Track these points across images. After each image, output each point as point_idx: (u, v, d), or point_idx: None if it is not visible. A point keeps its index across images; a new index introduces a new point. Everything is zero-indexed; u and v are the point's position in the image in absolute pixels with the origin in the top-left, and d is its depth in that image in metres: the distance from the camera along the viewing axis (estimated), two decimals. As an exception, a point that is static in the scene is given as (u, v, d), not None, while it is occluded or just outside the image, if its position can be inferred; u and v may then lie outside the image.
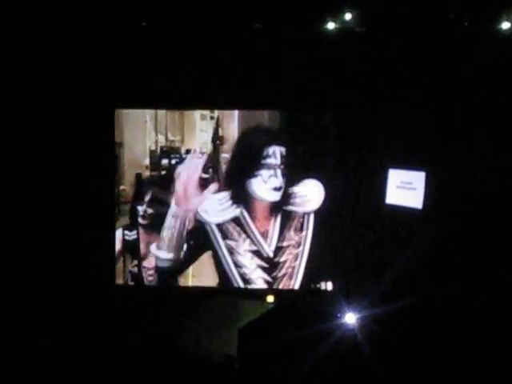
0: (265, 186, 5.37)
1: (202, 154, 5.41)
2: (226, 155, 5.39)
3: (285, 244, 5.48)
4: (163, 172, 5.44)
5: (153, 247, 5.49)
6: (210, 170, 5.41)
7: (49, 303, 5.33)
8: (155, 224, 5.45)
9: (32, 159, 5.38)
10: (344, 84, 5.28)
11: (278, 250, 5.47)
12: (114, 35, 5.18)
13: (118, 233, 5.52)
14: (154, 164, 5.43)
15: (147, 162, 5.44)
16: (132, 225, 5.50)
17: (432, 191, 5.19)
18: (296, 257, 5.49)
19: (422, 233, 5.20)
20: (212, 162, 5.39)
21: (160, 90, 5.32)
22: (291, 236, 5.47)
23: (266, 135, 5.33)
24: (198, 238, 5.45)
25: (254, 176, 5.36)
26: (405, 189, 5.29)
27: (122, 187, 5.48)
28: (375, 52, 5.16)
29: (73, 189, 5.39)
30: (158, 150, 5.43)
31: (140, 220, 5.51)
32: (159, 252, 5.47)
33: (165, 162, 5.43)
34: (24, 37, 5.16)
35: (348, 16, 5.08)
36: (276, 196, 5.39)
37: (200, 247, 5.48)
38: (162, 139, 5.43)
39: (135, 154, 5.43)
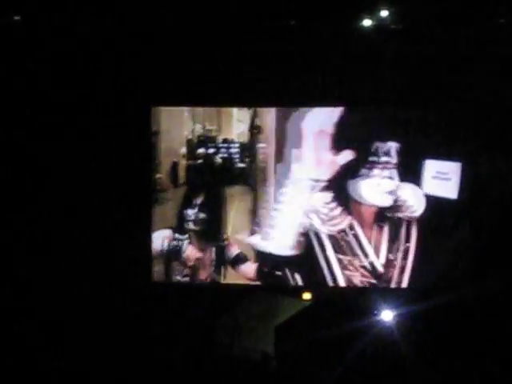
0: (377, 188, 5.13)
1: (239, 143, 5.42)
2: (262, 145, 5.38)
3: (392, 257, 5.25)
4: (199, 161, 5.45)
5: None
6: (247, 160, 5.42)
7: (83, 299, 5.34)
8: (208, 231, 5.46)
9: (71, 153, 5.44)
10: (379, 81, 5.28)
11: (388, 263, 5.23)
12: (151, 34, 5.23)
13: (164, 233, 5.49)
14: (191, 153, 5.45)
15: (184, 150, 5.45)
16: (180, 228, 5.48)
17: (468, 182, 5.14)
18: (402, 270, 5.24)
19: (457, 224, 5.16)
20: (249, 151, 5.40)
21: (196, 88, 5.34)
22: (399, 247, 5.20)
23: (378, 129, 5.15)
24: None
25: (363, 176, 5.18)
26: (440, 179, 5.19)
27: (158, 175, 5.46)
28: (412, 49, 5.16)
29: (108, 185, 5.44)
30: (195, 139, 5.46)
31: (191, 225, 5.48)
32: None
33: (201, 150, 5.44)
34: (65, 38, 5.26)
35: (384, 13, 5.11)
36: (389, 200, 5.16)
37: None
38: (198, 128, 5.44)
39: (172, 143, 5.44)
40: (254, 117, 5.38)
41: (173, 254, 5.48)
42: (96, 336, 5.19)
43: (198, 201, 5.46)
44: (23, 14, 5.24)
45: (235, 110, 5.41)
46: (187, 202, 5.45)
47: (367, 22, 5.15)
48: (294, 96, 5.29)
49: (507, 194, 5.17)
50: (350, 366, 4.82)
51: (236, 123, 5.43)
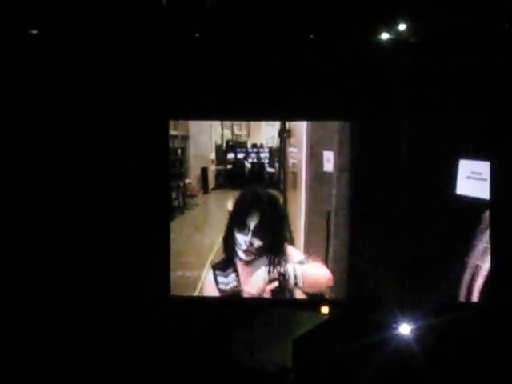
0: None
1: (268, 148, 5.44)
2: (293, 149, 5.37)
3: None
4: (229, 166, 5.45)
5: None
6: (277, 164, 5.41)
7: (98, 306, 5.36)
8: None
9: (91, 162, 5.48)
10: (396, 93, 5.32)
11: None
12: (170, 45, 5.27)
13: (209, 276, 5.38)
14: (220, 158, 5.47)
15: (213, 156, 5.48)
16: (227, 264, 5.28)
17: (500, 181, 5.14)
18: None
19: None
20: (278, 155, 5.40)
21: (216, 100, 5.37)
22: None
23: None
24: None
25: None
26: (475, 179, 5.21)
27: (187, 181, 5.49)
28: (429, 62, 5.17)
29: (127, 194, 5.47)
30: (224, 145, 5.46)
31: (241, 255, 5.31)
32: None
33: (231, 156, 5.47)
34: (83, 47, 5.32)
35: (402, 27, 5.11)
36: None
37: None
38: (227, 133, 5.50)
39: (201, 148, 5.48)
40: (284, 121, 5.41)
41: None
42: (112, 346, 5.19)
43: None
44: (40, 27, 5.29)
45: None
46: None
47: (385, 36, 5.19)
48: (314, 109, 5.32)
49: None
50: (368, 379, 4.78)
51: (265, 127, 5.47)
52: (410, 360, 4.92)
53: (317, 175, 5.33)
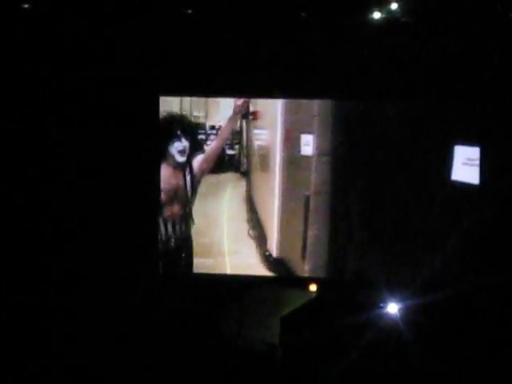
0: None
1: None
2: (260, 131, 5.40)
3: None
4: None
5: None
6: (237, 147, 5.45)
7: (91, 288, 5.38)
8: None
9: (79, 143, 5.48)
10: (389, 73, 5.28)
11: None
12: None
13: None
14: None
15: None
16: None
17: (488, 166, 5.12)
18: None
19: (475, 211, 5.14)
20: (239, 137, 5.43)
21: (202, 78, 5.37)
22: None
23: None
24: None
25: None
26: (469, 165, 5.19)
27: None
28: (420, 42, 5.16)
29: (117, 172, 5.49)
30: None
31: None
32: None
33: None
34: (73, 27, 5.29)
35: (394, 6, 5.11)
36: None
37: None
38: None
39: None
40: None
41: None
42: (100, 327, 5.21)
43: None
44: (32, 3, 5.27)
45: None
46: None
47: (377, 15, 5.18)
48: (302, 88, 5.27)
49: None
50: (355, 357, 4.81)
51: (224, 108, 5.45)
52: (397, 339, 4.96)
53: (293, 159, 5.33)
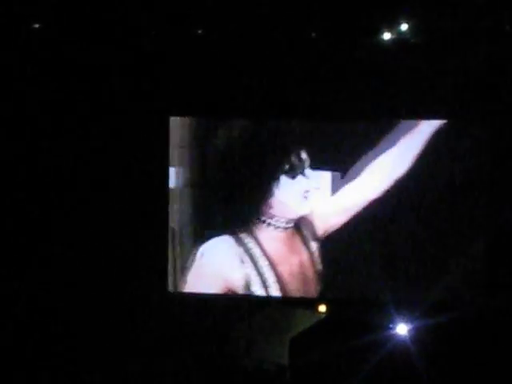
0: None
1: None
2: None
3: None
4: None
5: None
6: None
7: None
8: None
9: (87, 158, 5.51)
10: (397, 93, 5.27)
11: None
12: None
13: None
14: None
15: None
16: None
17: None
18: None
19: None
20: None
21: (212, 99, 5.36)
22: None
23: None
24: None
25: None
26: None
27: None
28: (431, 63, 5.16)
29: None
30: None
31: None
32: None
33: None
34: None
35: (404, 27, 5.11)
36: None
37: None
38: None
39: None
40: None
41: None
42: (107, 344, 5.24)
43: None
44: (42, 22, 5.32)
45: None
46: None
47: (387, 36, 5.19)
48: (311, 108, 5.29)
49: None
50: (365, 379, 4.79)
51: None
52: (407, 360, 4.93)
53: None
